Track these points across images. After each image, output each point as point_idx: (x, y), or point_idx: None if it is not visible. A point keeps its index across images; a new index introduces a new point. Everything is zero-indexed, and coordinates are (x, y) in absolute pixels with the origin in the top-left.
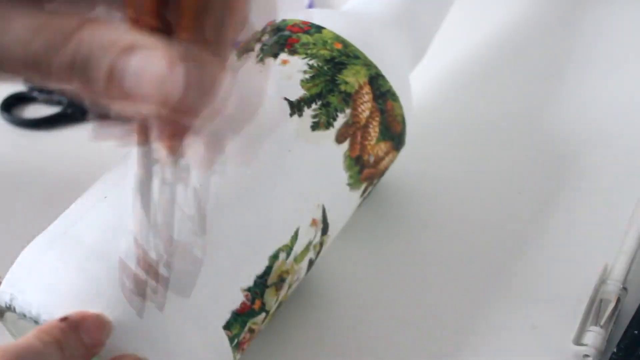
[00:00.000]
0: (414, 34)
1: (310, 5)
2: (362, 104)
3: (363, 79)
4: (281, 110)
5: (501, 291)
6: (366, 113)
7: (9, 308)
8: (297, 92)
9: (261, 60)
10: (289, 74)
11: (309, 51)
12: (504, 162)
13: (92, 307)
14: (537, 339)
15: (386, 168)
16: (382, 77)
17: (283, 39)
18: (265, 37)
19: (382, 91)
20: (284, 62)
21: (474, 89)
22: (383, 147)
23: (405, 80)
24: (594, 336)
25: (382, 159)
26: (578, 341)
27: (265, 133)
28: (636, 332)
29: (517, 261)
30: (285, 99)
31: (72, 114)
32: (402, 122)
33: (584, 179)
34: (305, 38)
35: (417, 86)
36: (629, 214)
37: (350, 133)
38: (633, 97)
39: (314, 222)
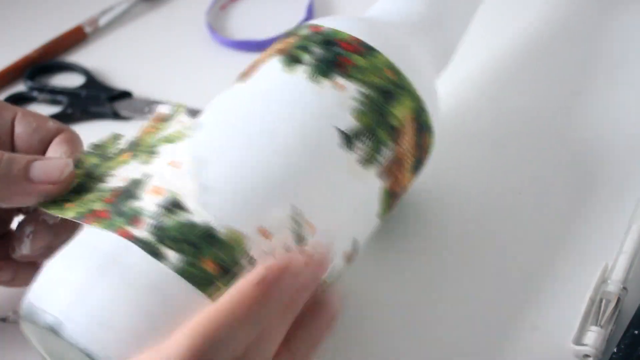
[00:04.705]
0: (440, 40)
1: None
2: (406, 140)
3: (410, 114)
4: (331, 139)
5: (501, 291)
6: (408, 149)
7: (52, 330)
8: (349, 122)
9: (314, 77)
10: (343, 101)
11: (363, 78)
12: (504, 162)
13: (151, 344)
14: (537, 339)
15: None
16: (425, 111)
17: (333, 55)
18: (314, 48)
19: (423, 127)
20: (340, 86)
21: (491, 92)
22: (412, 178)
23: (433, 89)
24: (594, 336)
25: (409, 188)
26: (578, 341)
27: (315, 162)
28: (636, 332)
29: (517, 261)
30: (337, 128)
31: (72, 113)
32: (431, 152)
33: (584, 179)
34: (359, 61)
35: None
36: (629, 214)
37: (393, 170)
38: (637, 97)
39: (344, 255)
